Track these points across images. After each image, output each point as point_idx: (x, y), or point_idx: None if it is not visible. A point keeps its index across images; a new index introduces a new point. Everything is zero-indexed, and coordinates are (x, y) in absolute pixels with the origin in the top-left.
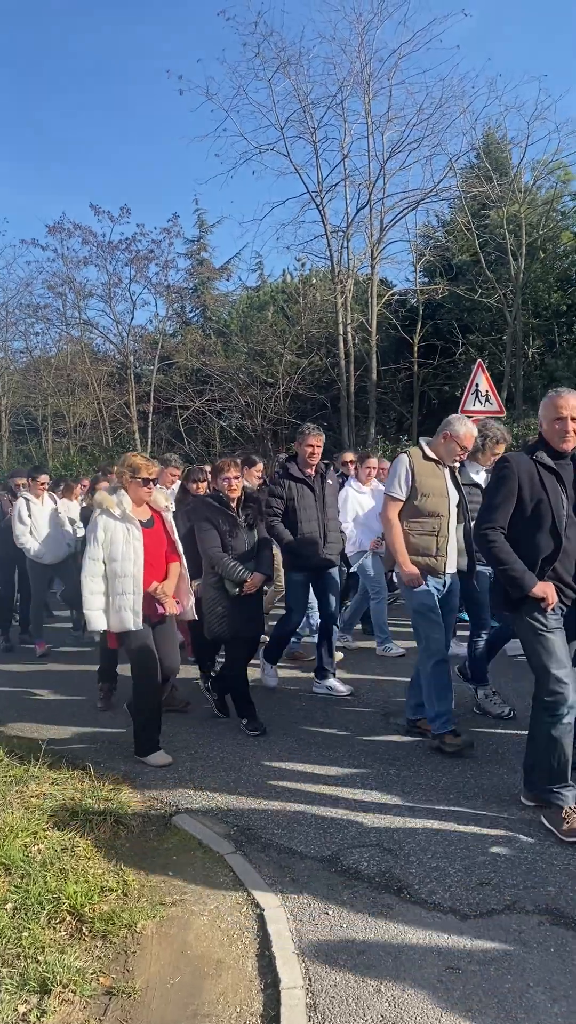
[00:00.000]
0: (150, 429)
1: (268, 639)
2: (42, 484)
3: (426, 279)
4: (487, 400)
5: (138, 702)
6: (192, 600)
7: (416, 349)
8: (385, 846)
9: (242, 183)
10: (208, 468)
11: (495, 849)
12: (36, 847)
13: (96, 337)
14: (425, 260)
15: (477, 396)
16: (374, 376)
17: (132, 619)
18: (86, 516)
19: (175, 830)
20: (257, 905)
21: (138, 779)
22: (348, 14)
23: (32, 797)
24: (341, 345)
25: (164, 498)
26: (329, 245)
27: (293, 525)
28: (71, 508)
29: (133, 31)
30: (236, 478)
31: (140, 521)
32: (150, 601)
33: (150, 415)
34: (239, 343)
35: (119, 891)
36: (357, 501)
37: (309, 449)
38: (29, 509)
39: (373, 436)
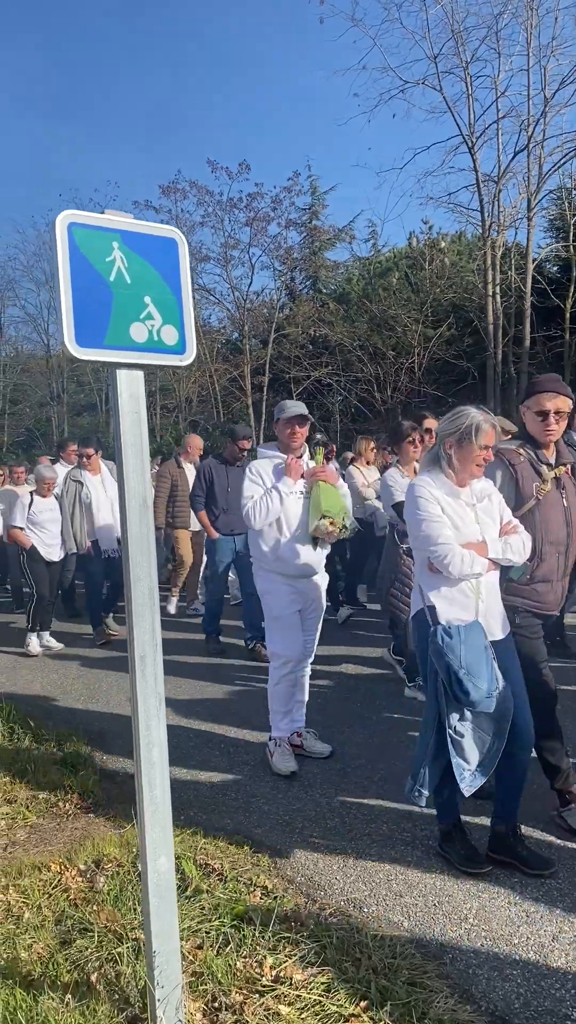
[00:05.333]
0: (264, 404)
1: None
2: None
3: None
4: None
5: None
6: None
7: (568, 315)
8: None
9: (376, 132)
10: None
11: None
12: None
13: (209, 305)
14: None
15: None
16: (527, 343)
17: None
18: None
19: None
20: None
21: (322, 886)
22: None
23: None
24: (490, 310)
25: None
26: (480, 195)
27: None
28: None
29: None
30: None
31: None
32: None
33: (265, 388)
34: (359, 311)
35: None
36: None
37: None
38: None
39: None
